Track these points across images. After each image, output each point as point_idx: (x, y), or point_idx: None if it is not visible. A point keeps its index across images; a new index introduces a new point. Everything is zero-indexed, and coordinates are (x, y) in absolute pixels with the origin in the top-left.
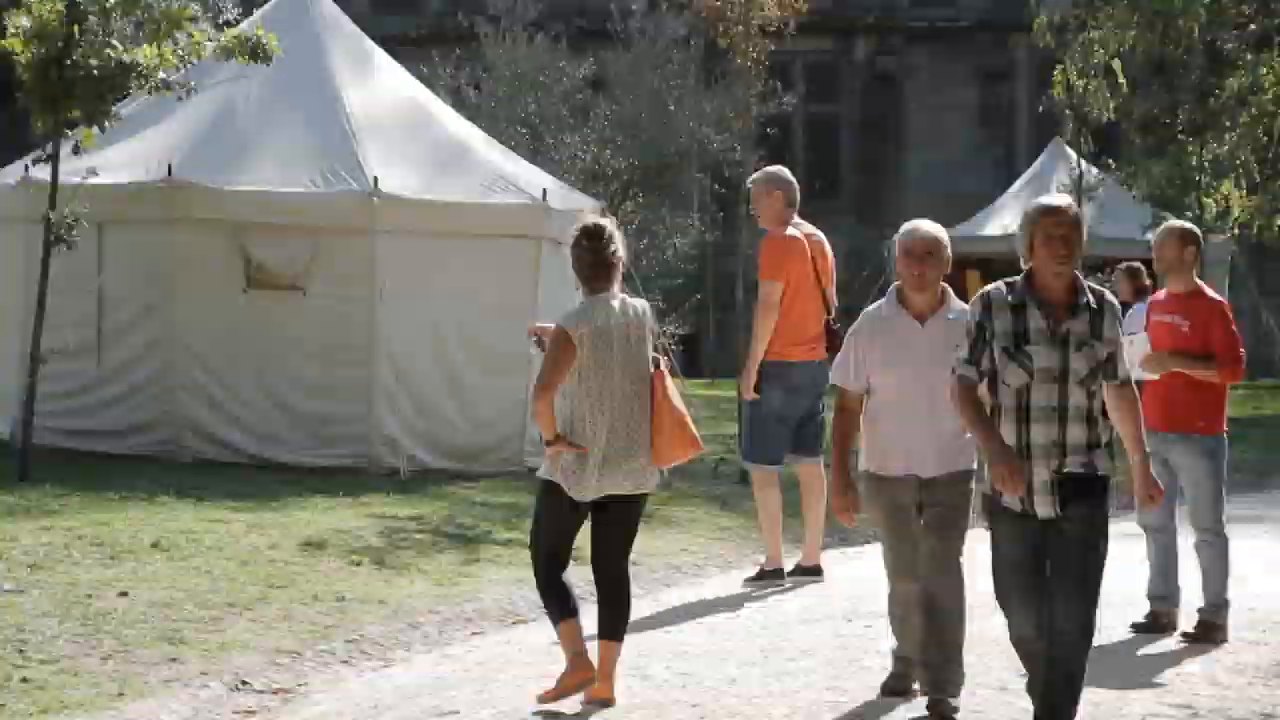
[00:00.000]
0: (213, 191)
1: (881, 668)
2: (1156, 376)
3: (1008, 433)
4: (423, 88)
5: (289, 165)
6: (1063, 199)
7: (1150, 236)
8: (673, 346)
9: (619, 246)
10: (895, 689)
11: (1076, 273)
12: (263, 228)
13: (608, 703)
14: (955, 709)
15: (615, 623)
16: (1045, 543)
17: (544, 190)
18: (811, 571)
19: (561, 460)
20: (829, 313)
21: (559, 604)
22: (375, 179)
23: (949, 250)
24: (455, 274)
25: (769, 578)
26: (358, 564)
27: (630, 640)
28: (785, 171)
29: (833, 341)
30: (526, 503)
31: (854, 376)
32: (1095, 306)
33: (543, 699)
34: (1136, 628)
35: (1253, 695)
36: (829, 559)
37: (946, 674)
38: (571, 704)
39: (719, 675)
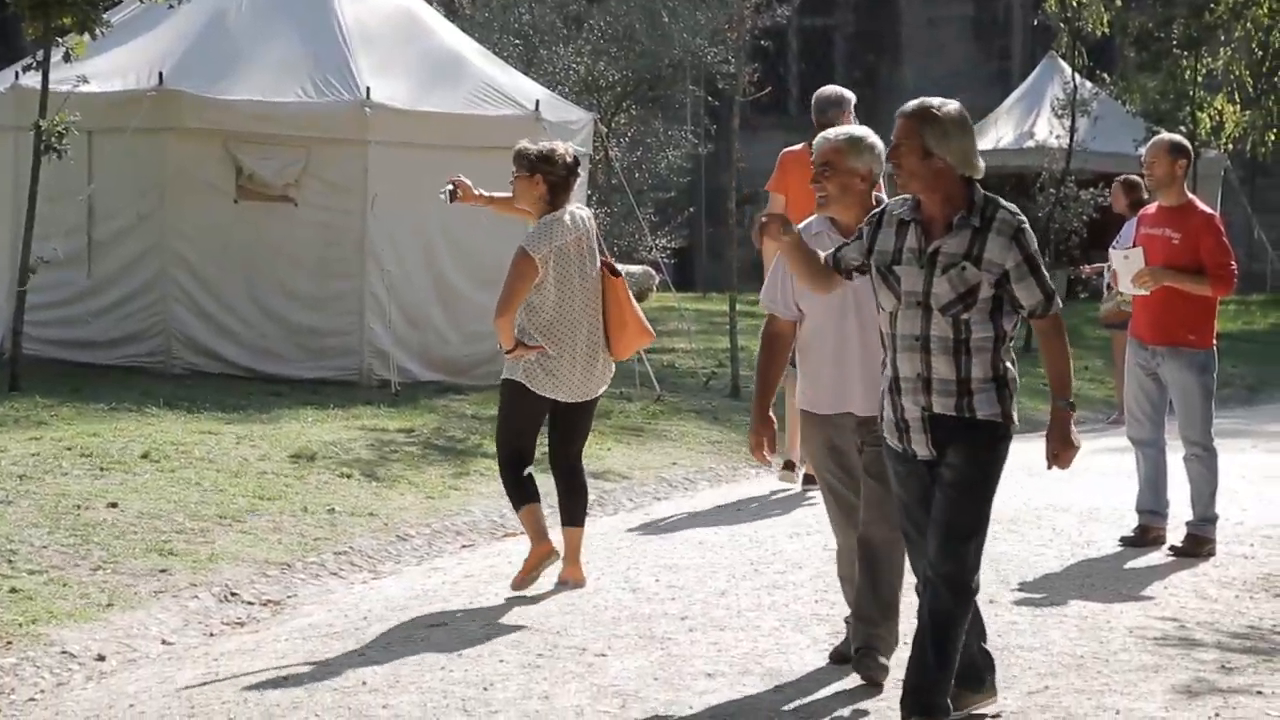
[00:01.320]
0: (204, 100)
1: None
2: (1148, 292)
3: (887, 362)
4: None
5: (281, 75)
6: (914, 104)
7: (1143, 151)
8: (665, 260)
9: (571, 168)
10: (845, 654)
11: (974, 185)
12: (254, 137)
13: (579, 584)
14: (885, 669)
15: (575, 509)
16: (932, 480)
17: (537, 102)
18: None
19: (529, 366)
20: None
21: (520, 494)
22: (368, 89)
23: (869, 157)
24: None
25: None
26: (348, 476)
27: (620, 553)
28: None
29: None
30: None
31: (782, 301)
32: (979, 225)
33: (515, 584)
34: (1125, 541)
35: (1240, 609)
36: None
37: (880, 631)
38: (548, 589)
39: (708, 588)
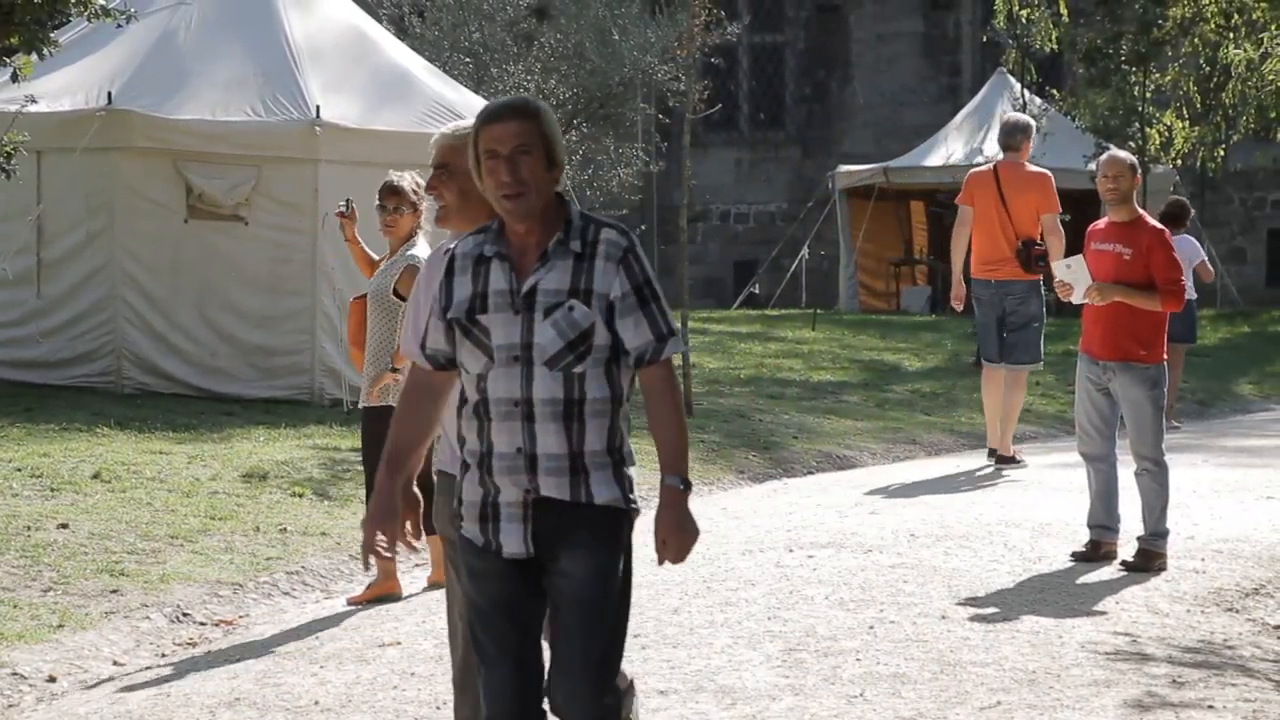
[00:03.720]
0: (153, 120)
1: (824, 597)
2: (1101, 302)
3: (471, 435)
4: (365, 16)
5: (230, 94)
6: (514, 101)
7: (1093, 167)
8: None
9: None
10: None
11: (570, 202)
12: (204, 156)
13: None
14: None
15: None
16: (531, 591)
17: None
18: (1009, 461)
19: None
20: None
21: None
22: (317, 108)
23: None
24: None
25: (1003, 462)
26: (300, 495)
27: None
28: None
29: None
30: None
31: (418, 341)
32: (581, 251)
33: (353, 600)
34: (1077, 556)
35: (1191, 623)
36: (768, 489)
37: None
38: None
39: (661, 605)
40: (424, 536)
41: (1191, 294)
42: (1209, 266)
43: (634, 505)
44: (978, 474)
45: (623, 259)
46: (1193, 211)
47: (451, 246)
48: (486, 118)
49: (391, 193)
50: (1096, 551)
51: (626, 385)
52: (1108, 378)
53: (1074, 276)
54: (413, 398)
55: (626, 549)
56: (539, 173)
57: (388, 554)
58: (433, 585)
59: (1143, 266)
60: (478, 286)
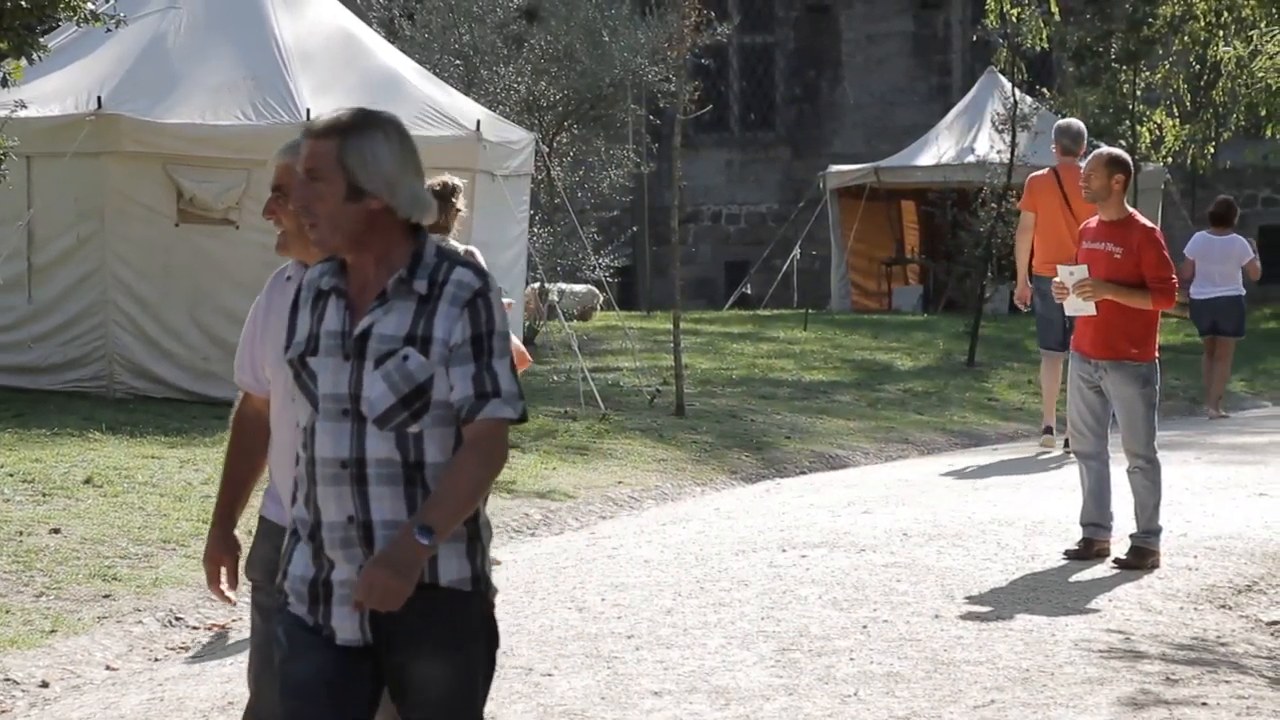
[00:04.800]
0: (143, 124)
1: (817, 597)
2: (1093, 311)
3: (300, 501)
4: (355, 19)
5: (220, 97)
6: (330, 117)
7: (1084, 165)
8: (609, 279)
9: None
10: None
11: (423, 235)
12: (194, 160)
13: None
14: None
15: None
16: (365, 678)
17: (478, 122)
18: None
19: None
20: None
21: None
22: (308, 111)
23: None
24: None
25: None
26: None
27: (566, 572)
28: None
29: None
30: None
31: (250, 370)
32: (427, 292)
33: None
34: (1070, 554)
35: (1184, 620)
36: (761, 490)
37: None
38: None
39: (654, 606)
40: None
41: (1240, 290)
42: (1257, 265)
43: (488, 586)
44: (1043, 458)
45: (470, 303)
46: (1239, 211)
47: (290, 272)
48: (302, 133)
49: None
50: (1089, 549)
51: None
52: (1099, 376)
53: (1075, 281)
54: (246, 429)
55: (484, 635)
56: (330, 203)
57: (229, 594)
58: None
59: (1134, 265)
60: (314, 325)
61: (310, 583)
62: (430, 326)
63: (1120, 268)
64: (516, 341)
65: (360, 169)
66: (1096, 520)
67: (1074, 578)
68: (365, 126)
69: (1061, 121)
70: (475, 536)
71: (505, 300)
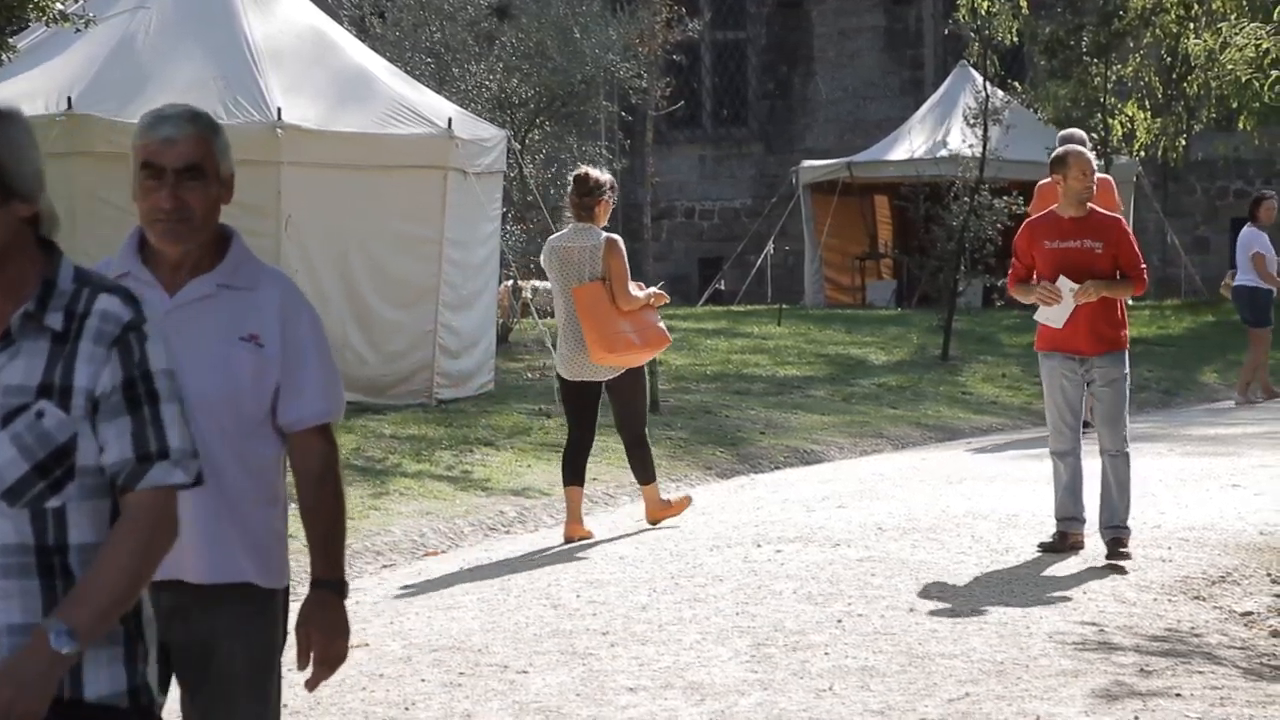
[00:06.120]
0: (114, 124)
1: (792, 592)
2: (1060, 324)
3: None
4: (326, 17)
5: (191, 96)
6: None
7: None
8: None
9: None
10: None
11: (58, 254)
12: None
13: (670, 515)
14: None
15: (639, 470)
16: None
17: (449, 119)
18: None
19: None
20: None
21: (564, 475)
22: (279, 110)
23: (215, 148)
24: (361, 205)
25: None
26: None
27: (542, 569)
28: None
29: None
30: (435, 435)
31: None
32: (64, 329)
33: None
34: (1045, 547)
35: (1158, 612)
36: (735, 485)
37: None
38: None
39: (630, 602)
40: None
41: (1253, 280)
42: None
43: (150, 699)
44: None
45: (119, 339)
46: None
47: None
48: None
49: (599, 183)
50: (1064, 542)
51: None
52: (1091, 373)
53: (1077, 290)
54: None
55: None
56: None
57: None
58: (567, 540)
59: (1112, 258)
60: None
61: None
62: (69, 373)
63: (1102, 261)
64: (660, 323)
65: (12, 164)
66: (1073, 514)
67: (1048, 571)
68: (6, 114)
69: (1064, 132)
70: (136, 637)
71: (653, 289)
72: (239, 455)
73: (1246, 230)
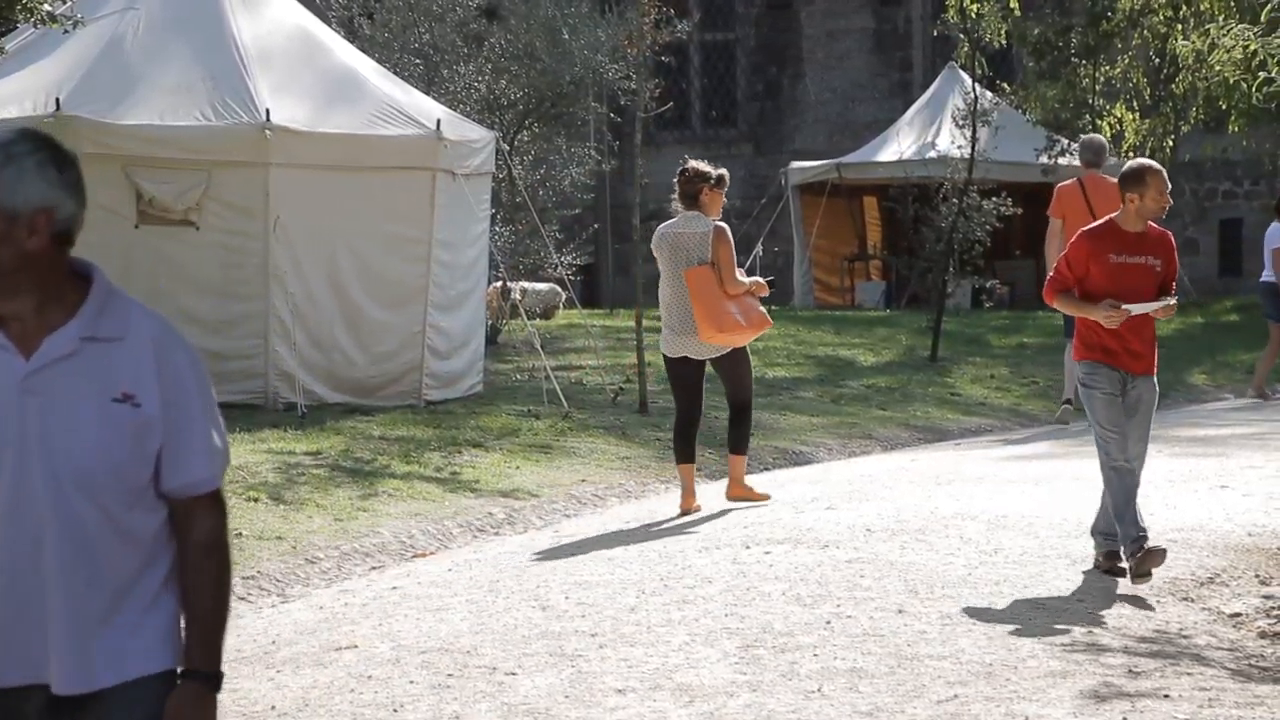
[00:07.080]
0: (102, 125)
1: (781, 593)
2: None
3: None
4: (314, 18)
5: (179, 98)
6: None
7: (1044, 160)
8: (571, 277)
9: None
10: None
11: None
12: (153, 161)
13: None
14: None
15: (735, 440)
16: None
17: (438, 121)
18: None
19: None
20: None
21: (676, 451)
22: (267, 111)
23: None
24: (350, 206)
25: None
26: (255, 500)
27: (530, 571)
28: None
29: None
30: (424, 436)
31: None
32: None
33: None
34: (1104, 571)
35: (1146, 613)
36: (724, 486)
37: None
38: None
39: (618, 604)
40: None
41: (1270, 277)
42: None
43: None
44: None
45: None
46: None
47: None
48: None
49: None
50: (1116, 561)
51: None
52: (1136, 394)
53: (1158, 307)
54: None
55: None
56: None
57: None
58: (683, 512)
59: (1164, 275)
60: None
61: None
62: None
63: (1157, 279)
64: (760, 307)
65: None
66: (1106, 530)
67: (1037, 572)
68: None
69: (1085, 137)
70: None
71: (757, 278)
72: (121, 531)
73: (1274, 226)
